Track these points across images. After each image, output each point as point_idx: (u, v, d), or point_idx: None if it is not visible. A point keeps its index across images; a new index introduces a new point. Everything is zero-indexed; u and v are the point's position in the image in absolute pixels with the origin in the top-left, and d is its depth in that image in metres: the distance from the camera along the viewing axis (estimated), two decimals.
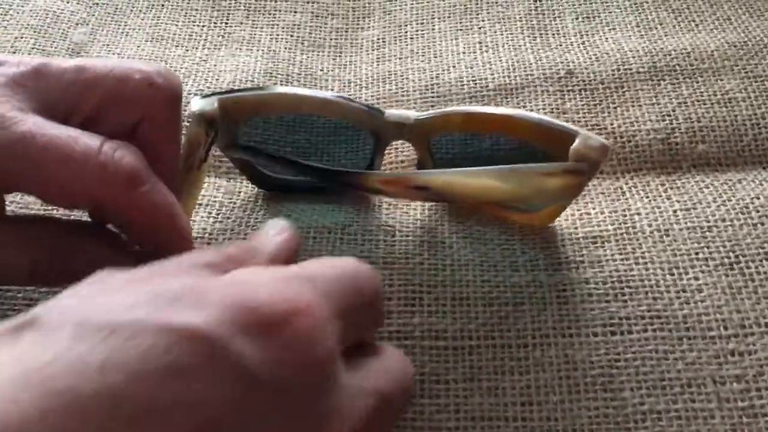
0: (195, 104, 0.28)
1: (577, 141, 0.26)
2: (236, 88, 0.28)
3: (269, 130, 0.30)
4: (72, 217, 0.28)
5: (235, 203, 0.31)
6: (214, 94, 0.28)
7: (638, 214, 0.30)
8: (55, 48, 0.38)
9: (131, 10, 0.41)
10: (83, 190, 0.22)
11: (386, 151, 0.32)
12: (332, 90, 0.37)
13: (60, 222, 0.26)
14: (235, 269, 0.20)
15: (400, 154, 0.34)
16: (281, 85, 0.31)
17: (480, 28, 0.39)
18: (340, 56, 0.39)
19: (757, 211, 0.30)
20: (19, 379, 0.14)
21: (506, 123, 0.28)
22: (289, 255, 0.22)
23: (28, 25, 0.39)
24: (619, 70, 0.36)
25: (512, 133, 0.28)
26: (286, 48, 0.39)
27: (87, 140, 0.22)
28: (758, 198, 0.30)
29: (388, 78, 0.37)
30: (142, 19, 0.40)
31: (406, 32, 0.40)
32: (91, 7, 0.41)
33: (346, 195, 0.31)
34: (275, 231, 0.22)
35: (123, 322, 0.16)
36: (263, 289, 0.18)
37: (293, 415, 0.17)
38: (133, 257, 0.24)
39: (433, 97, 0.36)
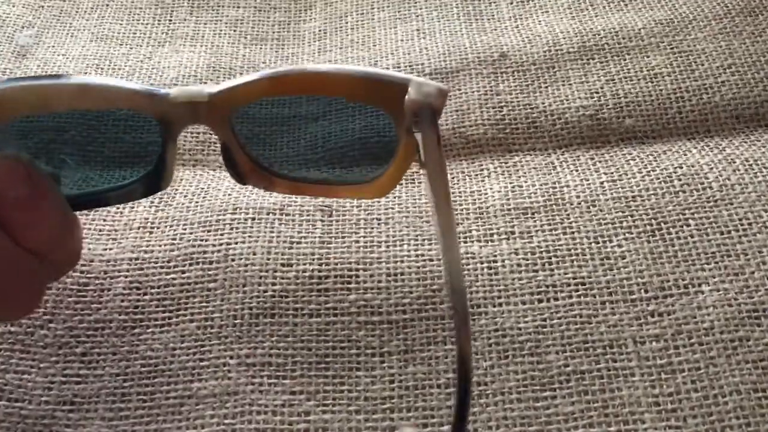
0: None
1: (411, 90, 0.23)
2: None
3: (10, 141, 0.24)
4: None
5: (177, 190, 0.32)
6: None
7: (567, 186, 0.31)
8: (1, 51, 0.39)
9: (76, 12, 0.42)
10: None
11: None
12: None
13: None
14: None
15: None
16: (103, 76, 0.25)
17: (418, 15, 0.40)
18: (282, 49, 0.40)
19: (679, 180, 0.31)
20: None
21: (322, 82, 0.24)
22: None
23: None
24: (550, 51, 0.37)
25: (333, 92, 0.24)
26: (229, 42, 0.40)
27: None
28: (681, 167, 0.31)
29: None
30: (87, 20, 0.41)
31: (347, 23, 0.41)
32: (36, 10, 0.42)
33: None
34: None
35: None
36: None
37: None
38: None
39: None
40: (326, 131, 0.26)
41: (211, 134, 0.34)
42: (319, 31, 0.41)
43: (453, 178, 0.32)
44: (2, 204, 0.21)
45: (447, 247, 0.21)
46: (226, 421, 0.25)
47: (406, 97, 0.23)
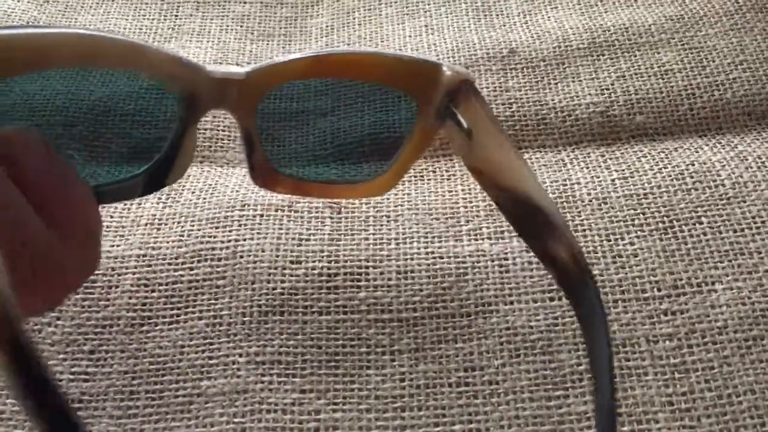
0: None
1: (446, 69, 0.23)
2: None
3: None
4: None
5: (184, 186, 0.31)
6: None
7: (578, 183, 0.31)
8: None
9: (81, 7, 0.41)
10: None
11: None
12: None
13: None
14: None
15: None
16: None
17: (426, 11, 0.40)
18: (289, 44, 0.40)
19: (692, 177, 0.31)
20: None
21: (364, 64, 0.23)
22: None
23: None
24: (560, 47, 0.37)
25: (372, 76, 0.24)
26: (236, 38, 0.40)
27: None
28: (693, 165, 0.31)
29: None
30: (93, 15, 0.41)
31: (354, 18, 0.41)
32: (41, 5, 0.41)
33: None
34: None
35: None
36: None
37: None
38: None
39: None
40: (337, 126, 0.26)
41: (218, 131, 0.34)
42: (327, 27, 0.41)
43: (462, 175, 0.32)
44: (30, 183, 0.18)
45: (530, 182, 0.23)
46: (235, 420, 0.25)
47: (444, 74, 0.23)
